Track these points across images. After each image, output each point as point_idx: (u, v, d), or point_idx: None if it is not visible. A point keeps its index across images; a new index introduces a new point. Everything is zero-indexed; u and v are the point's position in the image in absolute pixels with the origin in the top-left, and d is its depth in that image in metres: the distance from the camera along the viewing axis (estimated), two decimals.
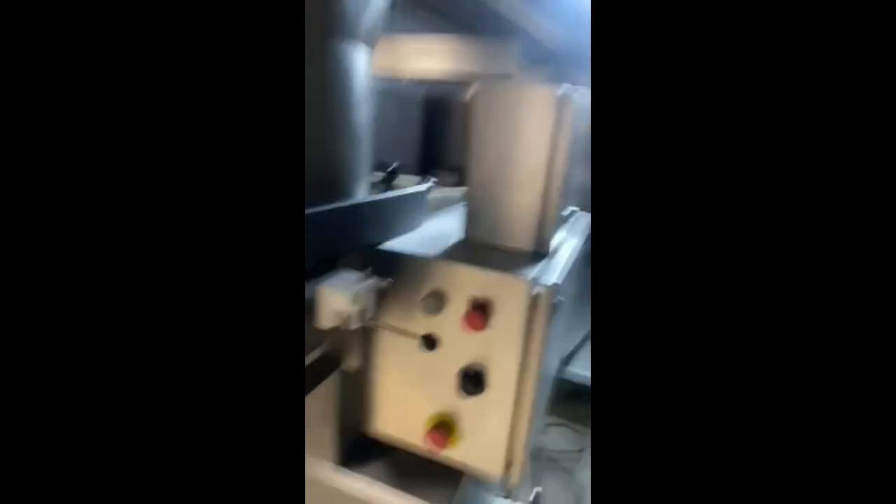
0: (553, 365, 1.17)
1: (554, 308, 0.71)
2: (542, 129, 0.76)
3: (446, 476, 0.87)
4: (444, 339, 0.77)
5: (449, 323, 0.75)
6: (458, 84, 3.45)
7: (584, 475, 2.23)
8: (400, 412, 0.84)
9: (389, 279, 0.74)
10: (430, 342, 0.74)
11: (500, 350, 0.73)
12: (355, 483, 0.86)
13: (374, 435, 0.89)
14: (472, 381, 0.74)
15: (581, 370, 2.73)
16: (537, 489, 1.70)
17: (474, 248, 0.82)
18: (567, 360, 2.79)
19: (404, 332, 0.77)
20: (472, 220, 0.84)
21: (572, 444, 2.44)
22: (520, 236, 0.82)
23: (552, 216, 0.80)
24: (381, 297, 0.78)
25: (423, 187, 0.94)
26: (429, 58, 3.26)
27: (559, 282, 0.71)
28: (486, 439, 0.79)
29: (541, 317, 0.69)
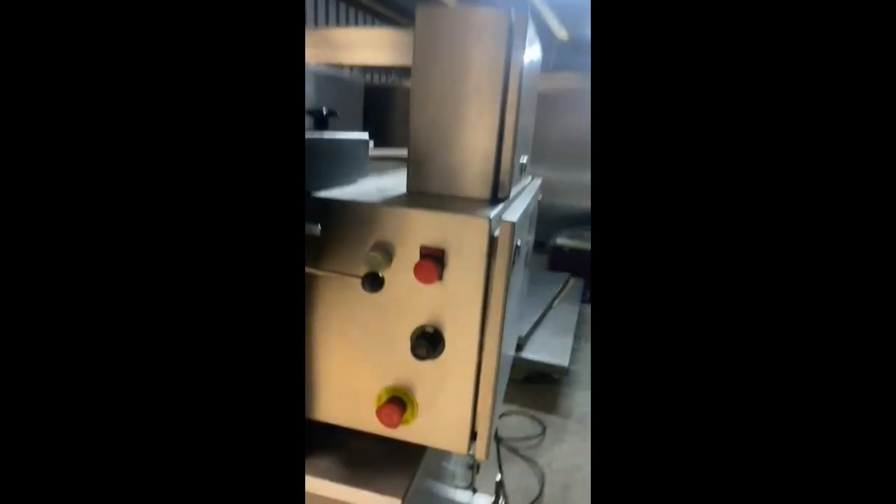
0: (513, 338, 1.10)
1: (515, 251, 0.63)
2: (494, 56, 0.68)
3: (404, 461, 0.77)
4: (393, 296, 0.67)
5: (398, 277, 0.66)
6: (402, 72, 3.34)
7: (545, 461, 2.19)
8: (345, 390, 0.73)
9: (318, 225, 0.64)
10: (374, 282, 0.64)
11: (458, 304, 0.64)
12: None
13: (318, 420, 0.77)
14: (428, 341, 0.65)
15: (534, 355, 2.70)
16: (498, 477, 1.62)
17: (422, 198, 0.73)
18: (520, 346, 2.75)
19: (342, 274, 0.66)
20: (416, 169, 0.75)
21: (530, 430, 2.39)
22: (472, 183, 0.74)
23: (509, 157, 0.72)
24: (316, 250, 0.67)
25: (362, 135, 0.83)
26: (371, 49, 3.17)
27: (517, 222, 0.63)
28: (447, 409, 0.69)
29: (502, 260, 0.61)
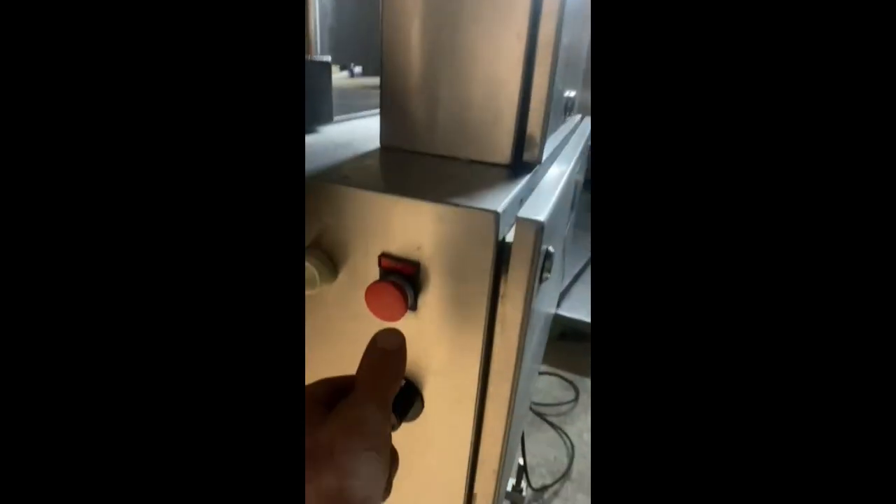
0: (539, 350, 0.85)
1: (544, 264, 0.37)
2: None
3: None
4: (340, 329, 0.43)
5: (349, 297, 0.41)
6: None
7: (576, 430, 2.01)
8: None
9: None
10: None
11: (444, 348, 0.39)
12: None
13: None
14: (396, 401, 0.41)
15: (572, 313, 2.46)
16: (520, 461, 1.45)
17: (395, 164, 0.46)
18: (557, 302, 2.51)
19: None
20: (392, 114, 0.48)
21: (562, 394, 2.20)
22: (481, 138, 0.46)
23: (543, 95, 0.44)
24: None
25: (324, 58, 0.55)
26: None
27: (547, 221, 0.36)
28: (432, 473, 0.47)
29: (519, 282, 0.35)
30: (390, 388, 0.30)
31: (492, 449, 0.43)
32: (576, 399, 2.17)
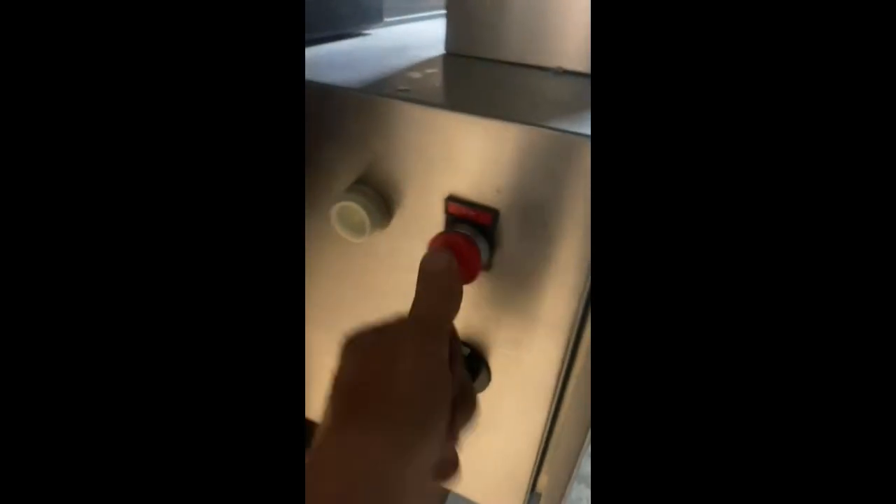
0: None
1: None
2: None
3: None
4: (393, 282, 0.35)
5: (404, 248, 0.33)
6: None
7: None
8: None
9: None
10: None
11: (527, 315, 0.31)
12: None
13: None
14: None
15: None
16: None
17: (465, 75, 0.35)
18: None
19: None
20: (464, 11, 0.36)
21: None
22: (578, 41, 0.34)
23: None
24: None
25: None
26: None
27: None
28: (492, 458, 0.41)
29: None
30: (444, 313, 0.25)
31: (571, 440, 0.35)
32: None
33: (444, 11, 0.38)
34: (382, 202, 0.31)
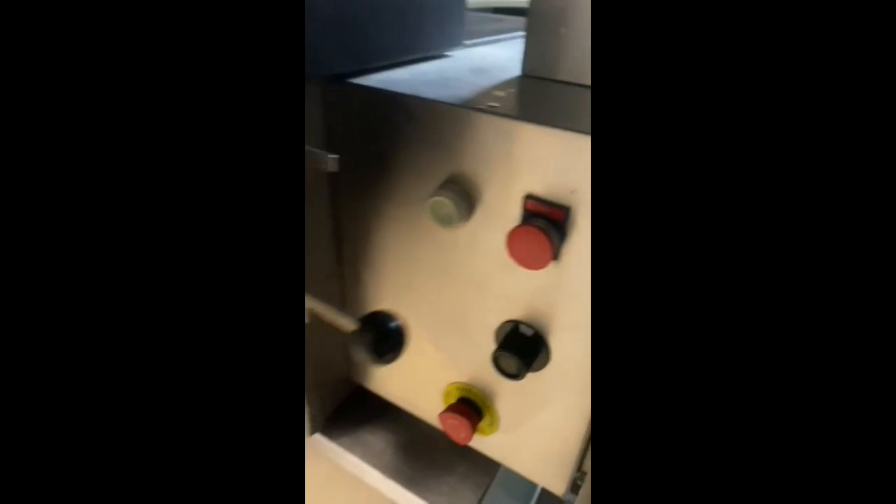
0: None
1: None
2: None
3: (476, 465, 0.57)
4: (472, 269, 0.40)
5: (482, 239, 0.38)
6: None
7: None
8: (405, 368, 0.52)
9: (335, 156, 0.37)
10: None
11: (582, 304, 0.36)
12: (337, 458, 0.58)
13: (371, 389, 0.59)
14: (521, 350, 0.39)
15: None
16: None
17: (543, 94, 0.41)
18: None
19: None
20: (543, 37, 0.42)
21: None
22: None
23: None
24: (338, 183, 0.42)
25: None
26: None
27: None
28: (542, 436, 0.45)
29: None
30: None
31: None
32: None
33: (506, 36, 0.43)
34: (469, 198, 0.36)
